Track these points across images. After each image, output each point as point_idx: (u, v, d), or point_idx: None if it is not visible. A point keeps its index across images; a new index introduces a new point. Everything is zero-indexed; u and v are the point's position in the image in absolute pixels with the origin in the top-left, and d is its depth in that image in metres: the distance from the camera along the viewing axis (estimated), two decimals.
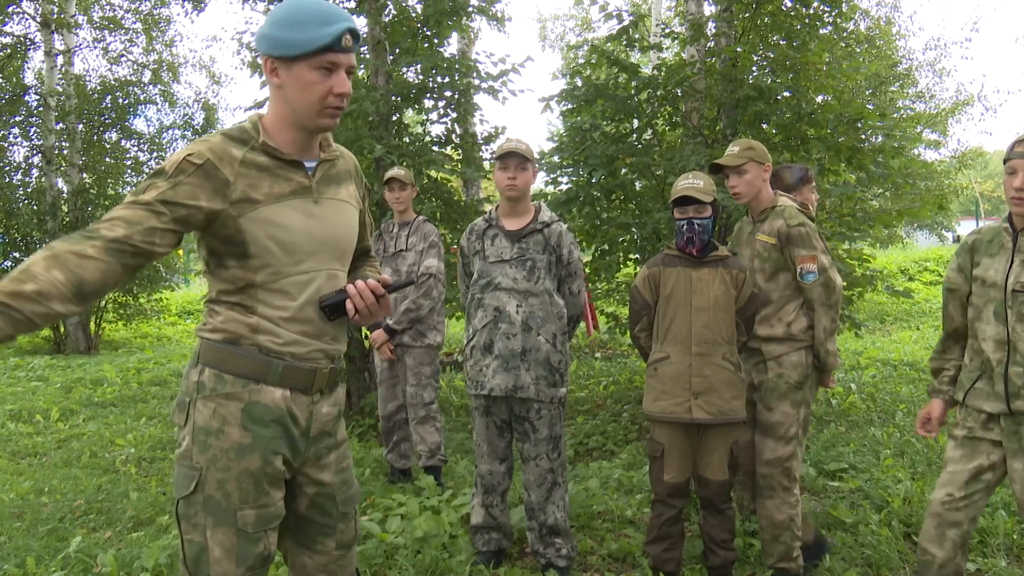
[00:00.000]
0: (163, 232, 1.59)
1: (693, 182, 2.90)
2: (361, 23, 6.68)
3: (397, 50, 6.47)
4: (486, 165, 6.64)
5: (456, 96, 6.37)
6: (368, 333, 4.56)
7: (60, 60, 12.61)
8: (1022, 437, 2.35)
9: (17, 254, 12.27)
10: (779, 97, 5.52)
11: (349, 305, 1.73)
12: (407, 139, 6.45)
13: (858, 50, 12.67)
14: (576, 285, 3.17)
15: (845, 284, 5.84)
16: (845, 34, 7.87)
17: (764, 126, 5.74)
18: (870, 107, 5.71)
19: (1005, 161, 2.35)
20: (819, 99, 5.92)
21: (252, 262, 1.68)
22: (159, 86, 14.13)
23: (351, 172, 1.90)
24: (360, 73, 6.80)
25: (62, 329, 12.02)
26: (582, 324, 10.89)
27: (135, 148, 13.56)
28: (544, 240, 3.09)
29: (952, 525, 2.43)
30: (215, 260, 1.70)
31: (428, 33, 6.41)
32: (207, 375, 1.70)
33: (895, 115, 13.06)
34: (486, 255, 3.12)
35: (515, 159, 3.05)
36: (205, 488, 1.66)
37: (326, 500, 1.83)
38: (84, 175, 12.59)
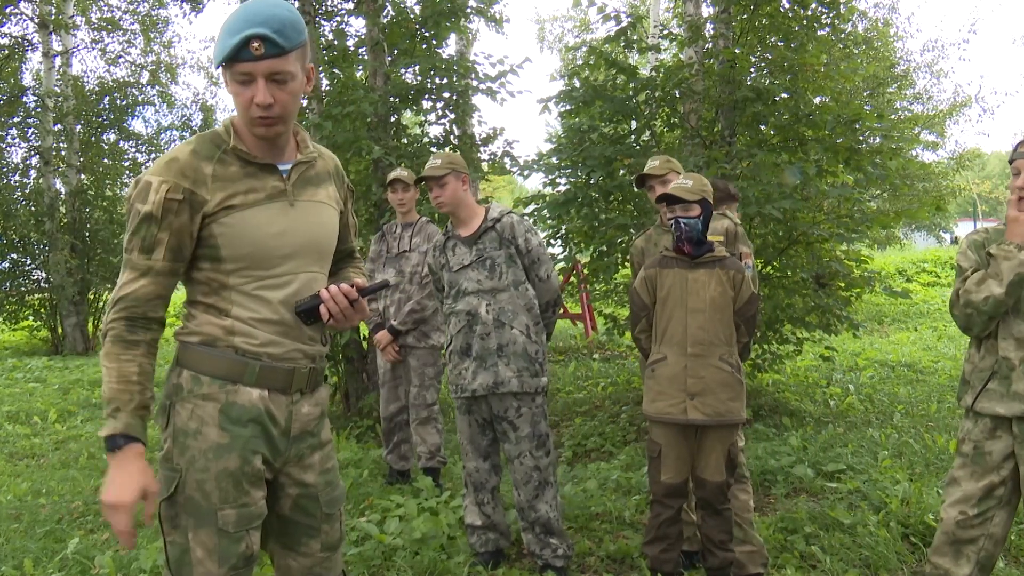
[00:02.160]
0: (170, 288, 1.71)
1: (682, 182, 2.90)
2: (359, 24, 6.69)
3: (395, 51, 6.47)
4: (484, 166, 6.64)
5: (454, 97, 6.37)
6: (368, 334, 4.55)
7: (58, 61, 12.61)
8: None
9: (15, 255, 12.27)
10: (777, 98, 5.52)
11: (323, 310, 1.72)
12: (405, 140, 6.45)
13: (856, 51, 12.70)
14: (544, 270, 3.19)
15: (843, 284, 5.86)
16: (843, 35, 7.89)
17: (762, 127, 5.75)
18: (868, 108, 5.71)
19: (1011, 162, 2.37)
20: (817, 100, 5.93)
21: (225, 265, 1.69)
22: (157, 87, 14.16)
23: (331, 173, 1.88)
24: (358, 74, 6.80)
25: (59, 330, 12.01)
26: (579, 324, 10.93)
27: (133, 149, 13.60)
28: (498, 236, 3.14)
29: (968, 542, 2.40)
30: (191, 261, 1.72)
31: (426, 34, 6.41)
32: (185, 377, 1.71)
33: (893, 116, 13.11)
34: (451, 266, 3.20)
35: (430, 182, 3.16)
36: (185, 489, 1.67)
37: (309, 501, 1.83)
38: (82, 176, 12.58)
